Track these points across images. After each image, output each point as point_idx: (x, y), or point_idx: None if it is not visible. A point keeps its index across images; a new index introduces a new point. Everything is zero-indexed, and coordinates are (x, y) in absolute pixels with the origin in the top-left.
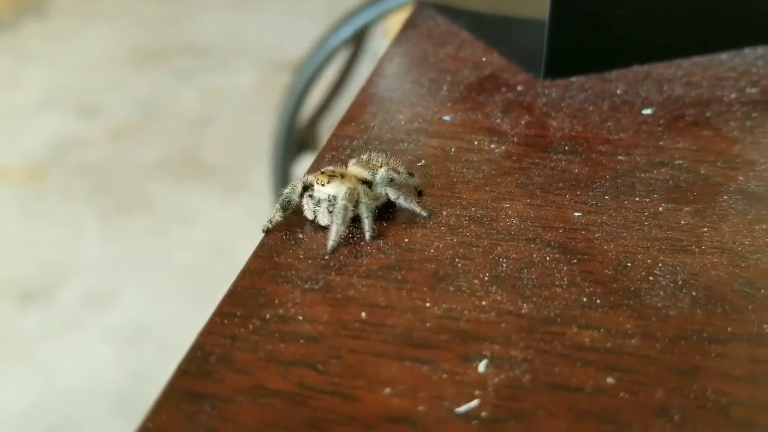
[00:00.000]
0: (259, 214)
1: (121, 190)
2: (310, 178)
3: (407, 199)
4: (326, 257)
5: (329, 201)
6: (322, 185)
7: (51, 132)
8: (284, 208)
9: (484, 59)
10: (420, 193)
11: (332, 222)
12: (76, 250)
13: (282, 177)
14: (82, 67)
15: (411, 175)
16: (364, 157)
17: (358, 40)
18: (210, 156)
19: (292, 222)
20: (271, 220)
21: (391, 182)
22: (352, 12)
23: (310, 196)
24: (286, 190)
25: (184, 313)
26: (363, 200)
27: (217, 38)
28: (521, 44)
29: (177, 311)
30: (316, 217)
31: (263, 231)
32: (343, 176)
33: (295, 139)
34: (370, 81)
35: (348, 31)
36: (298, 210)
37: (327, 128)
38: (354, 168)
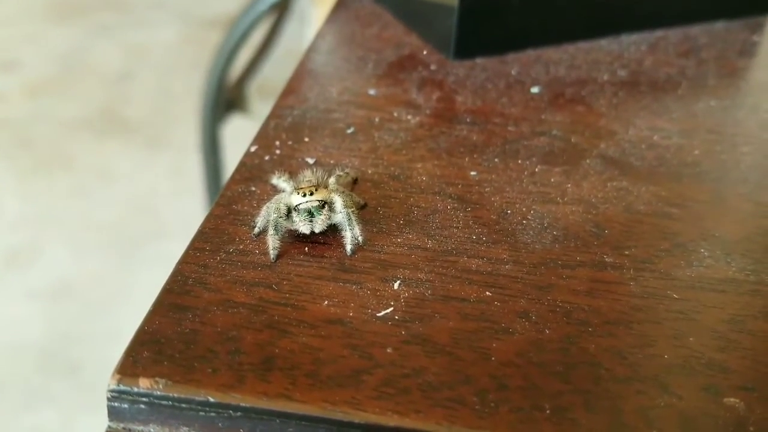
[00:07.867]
0: (182, 171)
1: (40, 148)
2: (293, 197)
3: (350, 223)
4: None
5: (325, 207)
6: (311, 194)
7: None
8: (277, 232)
9: (404, 40)
10: (355, 181)
11: (345, 229)
12: None
13: (210, 136)
14: None
15: (347, 174)
16: (307, 173)
17: (284, 3)
18: (132, 113)
19: (246, 176)
20: (275, 248)
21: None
22: None
23: (297, 210)
24: (273, 216)
25: (107, 270)
26: (351, 208)
27: None
28: (435, 27)
29: (100, 269)
30: (312, 229)
31: (273, 261)
32: (320, 186)
33: (223, 99)
34: (307, 57)
35: None
36: (255, 169)
37: (254, 88)
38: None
